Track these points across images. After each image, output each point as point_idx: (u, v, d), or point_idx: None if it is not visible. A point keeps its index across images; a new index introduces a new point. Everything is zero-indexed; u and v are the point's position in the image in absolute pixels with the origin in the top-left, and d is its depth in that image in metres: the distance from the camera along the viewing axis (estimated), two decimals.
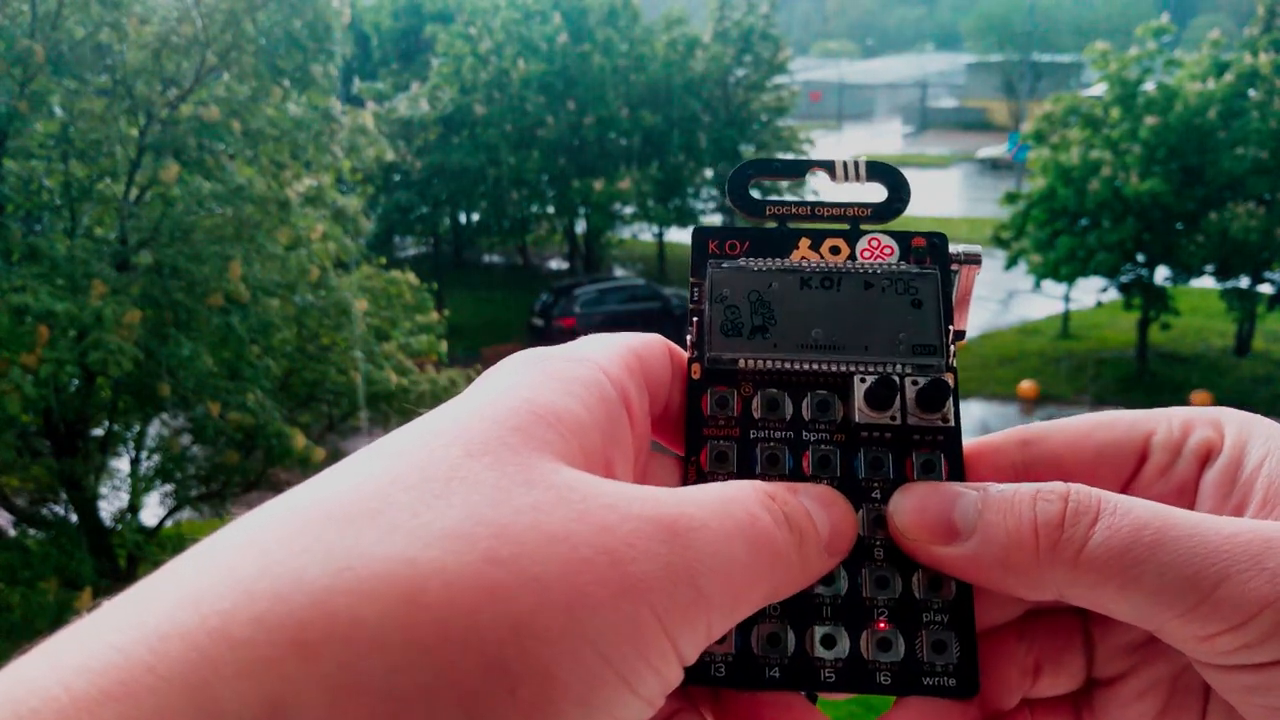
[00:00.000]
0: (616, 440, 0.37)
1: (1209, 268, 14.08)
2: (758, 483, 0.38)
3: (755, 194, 0.46)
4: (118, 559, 7.70)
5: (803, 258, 0.44)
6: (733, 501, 0.35)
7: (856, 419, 0.41)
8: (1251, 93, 13.74)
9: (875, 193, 0.46)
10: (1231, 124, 13.51)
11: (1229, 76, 13.70)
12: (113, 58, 7.74)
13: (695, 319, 0.43)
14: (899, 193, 0.45)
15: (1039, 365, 14.98)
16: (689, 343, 0.43)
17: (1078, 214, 14.15)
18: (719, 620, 0.33)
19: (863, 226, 0.45)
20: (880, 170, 0.45)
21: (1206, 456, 0.40)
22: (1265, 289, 14.36)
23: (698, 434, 0.42)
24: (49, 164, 7.81)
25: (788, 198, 0.47)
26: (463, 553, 0.29)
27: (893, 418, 0.41)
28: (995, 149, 29.43)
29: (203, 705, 0.26)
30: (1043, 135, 14.74)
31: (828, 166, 0.45)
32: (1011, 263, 15.11)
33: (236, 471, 8.12)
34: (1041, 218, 14.36)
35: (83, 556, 7.06)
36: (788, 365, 0.42)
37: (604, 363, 0.39)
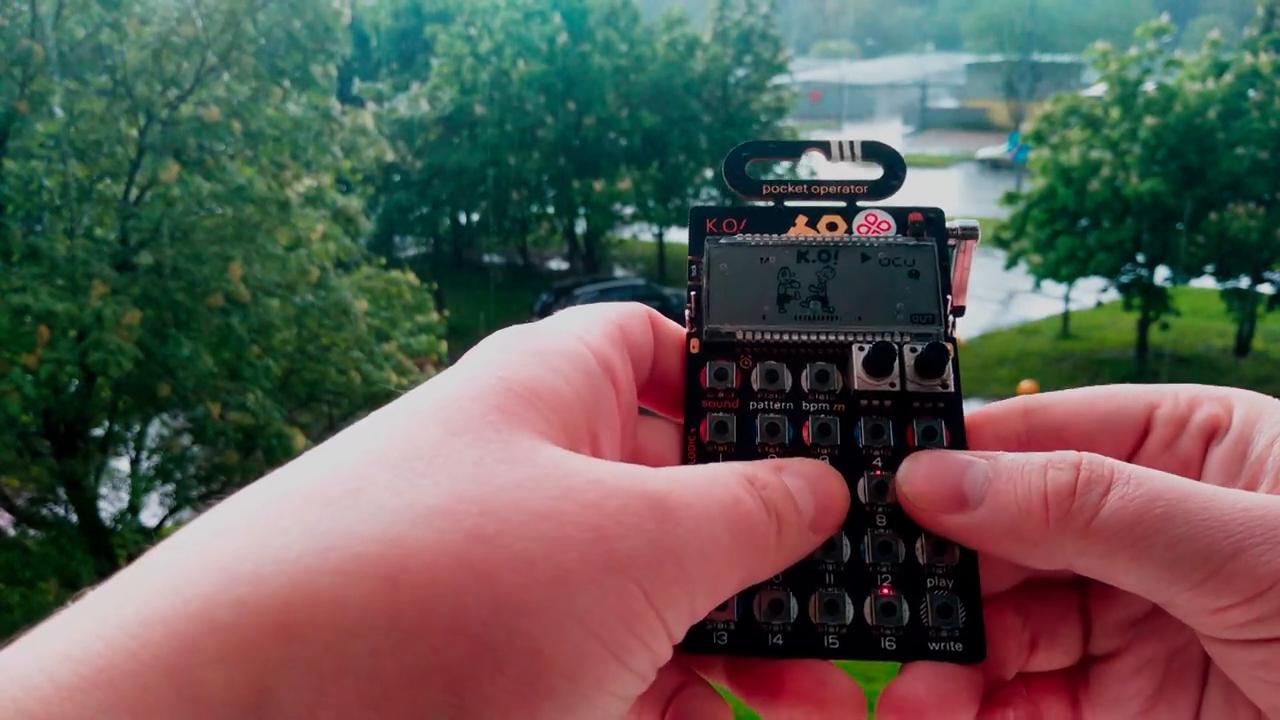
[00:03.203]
0: (601, 413, 0.37)
1: (1209, 268, 14.10)
2: (739, 464, 0.37)
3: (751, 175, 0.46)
4: (118, 559, 7.69)
5: (799, 234, 0.44)
6: (715, 483, 0.35)
7: (856, 386, 0.41)
8: (1251, 93, 13.75)
9: (871, 173, 0.46)
10: (1231, 124, 13.51)
11: (1229, 77, 13.71)
12: (113, 58, 7.73)
13: (694, 294, 0.43)
14: (895, 170, 0.45)
15: (1039, 365, 14.98)
16: (687, 318, 0.43)
17: (1078, 214, 14.16)
18: (702, 598, 0.33)
19: (859, 204, 0.45)
20: (876, 150, 0.46)
21: (1213, 433, 0.39)
22: (1265, 289, 14.37)
23: (697, 406, 0.42)
24: (49, 164, 7.80)
25: (784, 176, 0.48)
26: (447, 531, 0.29)
27: (892, 384, 0.41)
28: (995, 149, 29.36)
29: (185, 689, 0.26)
30: (1043, 135, 14.74)
31: (823, 147, 0.46)
32: (1011, 263, 15.12)
33: (237, 472, 8.11)
34: (1041, 218, 14.37)
35: (83, 557, 7.06)
36: (786, 337, 0.42)
37: (585, 335, 0.38)
